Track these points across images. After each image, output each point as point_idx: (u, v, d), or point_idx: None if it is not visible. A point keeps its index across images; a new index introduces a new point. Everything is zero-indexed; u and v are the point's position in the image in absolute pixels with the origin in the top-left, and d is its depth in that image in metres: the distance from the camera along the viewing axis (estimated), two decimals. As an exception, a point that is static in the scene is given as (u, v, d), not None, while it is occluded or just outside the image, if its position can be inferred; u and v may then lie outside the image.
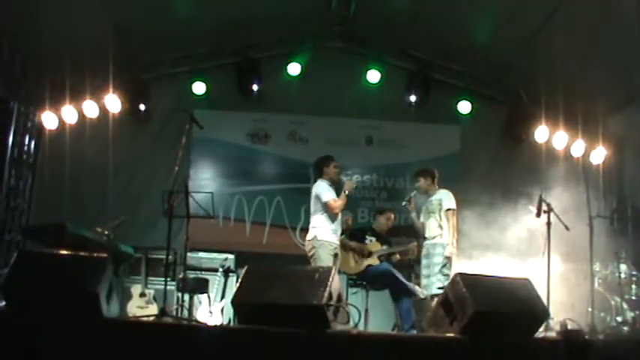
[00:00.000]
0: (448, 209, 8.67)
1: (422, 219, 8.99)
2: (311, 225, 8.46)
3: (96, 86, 11.05)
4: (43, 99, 10.88)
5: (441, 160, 9.71)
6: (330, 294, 5.15)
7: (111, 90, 11.00)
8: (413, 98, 12.11)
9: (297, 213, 11.60)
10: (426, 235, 8.83)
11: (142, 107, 11.59)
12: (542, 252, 7.80)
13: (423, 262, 8.75)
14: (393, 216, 9.92)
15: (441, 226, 8.66)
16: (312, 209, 8.52)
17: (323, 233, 8.27)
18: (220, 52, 11.92)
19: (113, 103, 11.09)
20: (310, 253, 8.27)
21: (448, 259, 8.45)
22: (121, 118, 11.27)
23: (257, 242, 11.73)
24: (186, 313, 8.40)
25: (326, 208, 8.32)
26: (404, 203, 9.10)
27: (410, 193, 9.14)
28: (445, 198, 8.76)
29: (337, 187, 8.58)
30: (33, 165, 11.19)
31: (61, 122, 11.09)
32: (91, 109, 11.05)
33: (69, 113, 11.02)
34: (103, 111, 11.12)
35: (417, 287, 8.85)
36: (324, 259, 8.10)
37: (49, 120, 11.05)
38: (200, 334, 5.31)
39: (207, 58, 11.93)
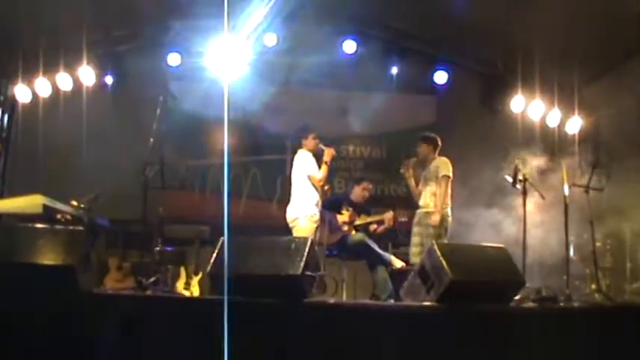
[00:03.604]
0: (444, 175, 8.49)
1: (420, 186, 8.84)
2: (293, 196, 8.43)
3: (70, 58, 10.95)
4: (15, 72, 10.79)
5: (417, 131, 9.69)
6: (307, 264, 5.15)
7: (85, 62, 10.90)
8: (389, 69, 12.11)
9: (274, 184, 11.61)
10: (420, 204, 8.71)
11: (117, 79, 11.52)
12: (518, 220, 7.86)
13: (414, 229, 8.64)
14: (370, 186, 9.88)
15: (435, 194, 8.55)
16: (293, 180, 8.48)
17: (305, 204, 8.25)
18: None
19: (87, 75, 10.99)
20: (292, 225, 8.27)
21: (440, 228, 8.38)
22: (95, 91, 11.18)
23: (233, 214, 11.69)
24: (163, 285, 8.38)
25: (310, 180, 8.30)
26: (401, 170, 8.97)
27: (407, 160, 8.98)
28: (442, 165, 8.58)
29: (317, 157, 8.55)
30: (6, 139, 11.10)
31: (35, 95, 11.00)
32: (64, 81, 10.96)
33: (42, 86, 10.92)
34: (77, 83, 11.03)
35: (392, 257, 8.88)
36: (307, 229, 8.10)
37: (22, 93, 10.96)
38: (177, 306, 5.32)
39: (182, 29, 11.83)
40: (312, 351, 4.93)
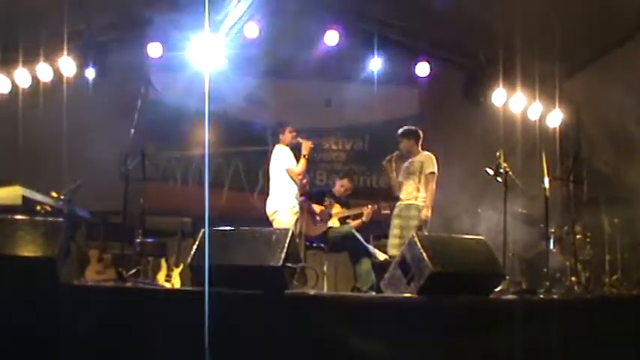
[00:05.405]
0: (430, 172, 8.53)
1: (400, 178, 8.83)
2: (272, 189, 8.45)
3: (50, 49, 10.86)
4: (-6, 62, 10.72)
5: (399, 123, 9.66)
6: (288, 256, 5.15)
7: (65, 52, 10.82)
8: (371, 60, 12.09)
9: (256, 176, 11.59)
10: (401, 196, 8.72)
11: (98, 70, 11.45)
12: (499, 212, 7.89)
13: (395, 221, 8.65)
14: (347, 183, 9.85)
15: (418, 189, 8.51)
16: (272, 173, 8.50)
17: (284, 197, 8.28)
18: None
19: (68, 66, 10.91)
20: (272, 217, 8.29)
21: (424, 222, 8.41)
22: (75, 81, 11.10)
23: (215, 205, 11.69)
24: (144, 277, 8.37)
25: (288, 174, 8.31)
26: (384, 163, 8.98)
27: (391, 155, 8.95)
28: (427, 161, 8.61)
29: (296, 150, 8.55)
30: (-15, 130, 11.02)
31: (14, 86, 10.93)
32: (45, 72, 10.88)
33: (22, 76, 10.84)
34: (58, 74, 10.95)
35: (376, 250, 8.90)
36: (286, 222, 8.12)
37: (1, 84, 10.87)
38: (159, 298, 5.30)
39: (164, 19, 11.77)
40: (292, 342, 4.94)
